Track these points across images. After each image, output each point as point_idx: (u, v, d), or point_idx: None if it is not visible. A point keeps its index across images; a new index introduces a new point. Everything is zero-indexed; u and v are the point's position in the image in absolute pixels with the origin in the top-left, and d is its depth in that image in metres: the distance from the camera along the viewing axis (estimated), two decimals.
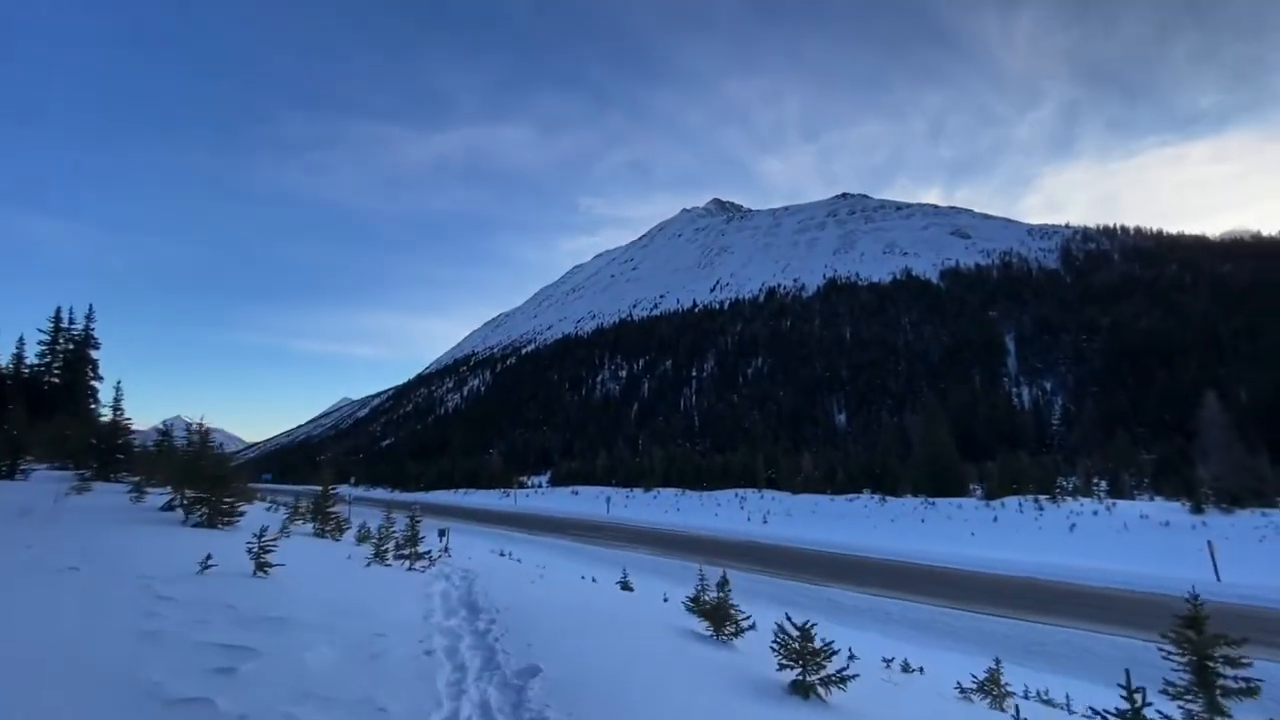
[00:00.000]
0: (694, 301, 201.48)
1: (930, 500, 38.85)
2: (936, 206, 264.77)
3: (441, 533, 29.43)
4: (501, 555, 23.20)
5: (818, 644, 4.76)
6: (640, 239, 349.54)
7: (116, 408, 16.82)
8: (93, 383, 37.00)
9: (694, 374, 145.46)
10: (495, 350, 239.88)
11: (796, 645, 4.76)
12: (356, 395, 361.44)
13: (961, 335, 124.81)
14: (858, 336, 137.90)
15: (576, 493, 61.67)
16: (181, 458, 10.78)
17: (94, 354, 37.10)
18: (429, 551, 8.60)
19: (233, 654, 3.22)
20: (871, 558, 25.67)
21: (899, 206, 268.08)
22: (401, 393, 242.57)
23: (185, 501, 9.95)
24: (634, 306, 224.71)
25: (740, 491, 49.71)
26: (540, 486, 77.83)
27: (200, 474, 10.04)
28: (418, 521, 8.39)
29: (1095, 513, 30.08)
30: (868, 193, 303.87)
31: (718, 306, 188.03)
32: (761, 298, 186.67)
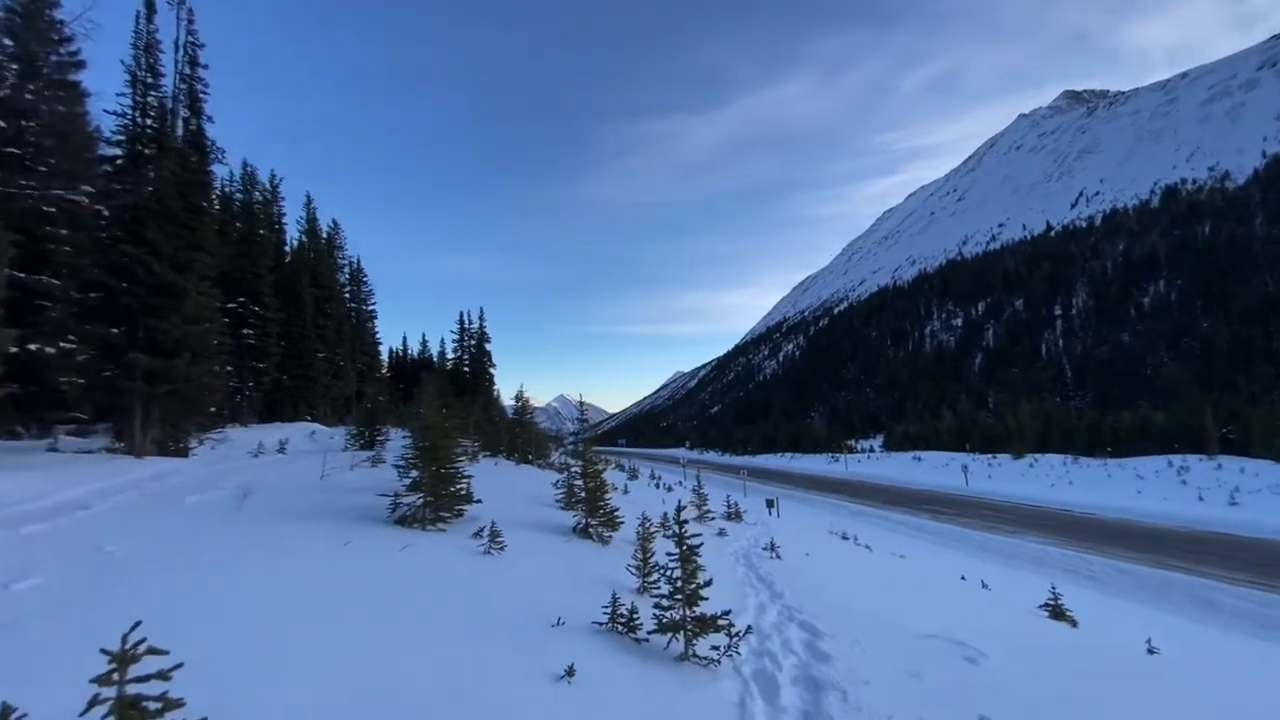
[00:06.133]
0: (1047, 224, 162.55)
1: None
2: None
3: (770, 503, 25.82)
4: (844, 538, 18.28)
5: None
6: (964, 164, 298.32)
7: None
8: (490, 369, 47.82)
9: (1056, 312, 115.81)
10: (806, 314, 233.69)
11: None
12: (686, 368, 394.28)
13: None
14: None
15: (919, 459, 52.56)
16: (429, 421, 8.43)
17: (488, 346, 47.83)
18: (727, 616, 3.97)
19: None
20: None
21: None
22: (722, 363, 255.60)
23: (420, 487, 7.38)
24: (964, 243, 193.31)
25: (1176, 459, 35.04)
26: (872, 451, 69.85)
27: (435, 445, 7.37)
28: (694, 529, 3.91)
29: None
30: None
31: (1083, 225, 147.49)
32: (1154, 201, 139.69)
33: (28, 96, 15.32)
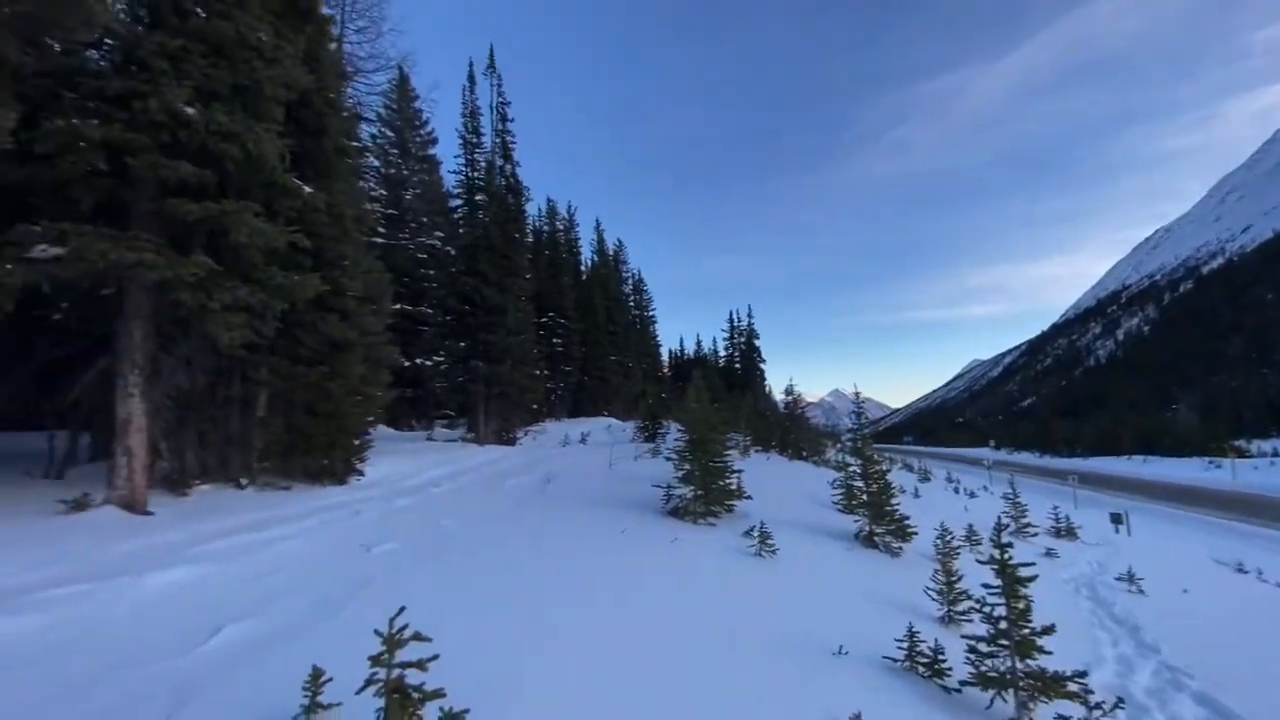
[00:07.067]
0: None
1: None
2: None
3: (1116, 518, 20.73)
4: (1240, 570, 13.72)
5: None
6: None
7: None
8: (760, 364, 50.96)
9: None
10: (1157, 277, 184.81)
11: None
12: (984, 355, 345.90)
13: None
14: None
15: None
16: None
17: (757, 342, 50.96)
18: (1083, 678, 2.96)
19: None
20: None
21: None
22: (1035, 347, 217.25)
23: (691, 480, 7.53)
24: None
25: None
26: (1277, 455, 51.63)
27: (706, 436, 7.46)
28: None
29: None
30: None
31: None
32: None
33: (404, 172, 20.22)
